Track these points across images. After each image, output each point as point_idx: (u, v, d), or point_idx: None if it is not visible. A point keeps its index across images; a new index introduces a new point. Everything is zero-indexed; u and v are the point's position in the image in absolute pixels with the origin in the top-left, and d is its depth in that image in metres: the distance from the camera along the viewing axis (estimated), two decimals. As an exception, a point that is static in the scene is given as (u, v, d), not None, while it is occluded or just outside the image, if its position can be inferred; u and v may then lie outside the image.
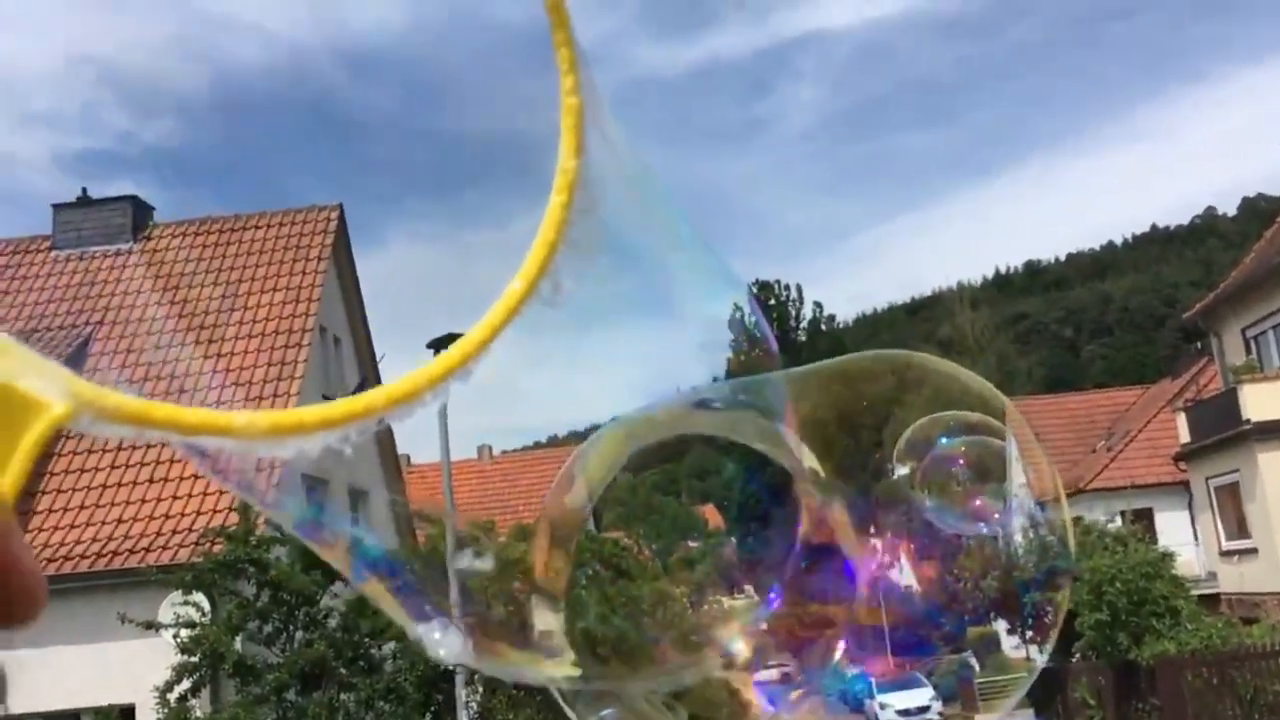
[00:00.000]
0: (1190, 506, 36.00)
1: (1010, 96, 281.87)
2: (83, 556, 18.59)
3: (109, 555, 18.51)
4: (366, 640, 17.11)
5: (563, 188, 0.80)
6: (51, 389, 0.56)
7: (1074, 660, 26.47)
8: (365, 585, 1.23)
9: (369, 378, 24.49)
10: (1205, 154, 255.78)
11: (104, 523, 19.41)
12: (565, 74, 0.81)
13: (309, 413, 0.65)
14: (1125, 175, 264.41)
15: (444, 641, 1.36)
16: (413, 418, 0.71)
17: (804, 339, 68.44)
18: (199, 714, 16.19)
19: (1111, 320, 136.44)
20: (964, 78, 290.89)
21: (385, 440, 25.79)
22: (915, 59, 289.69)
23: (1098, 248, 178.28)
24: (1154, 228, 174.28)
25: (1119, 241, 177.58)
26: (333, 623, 17.05)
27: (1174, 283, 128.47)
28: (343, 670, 16.84)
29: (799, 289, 70.65)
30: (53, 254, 25.19)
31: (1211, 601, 31.02)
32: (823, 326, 70.24)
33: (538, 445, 62.93)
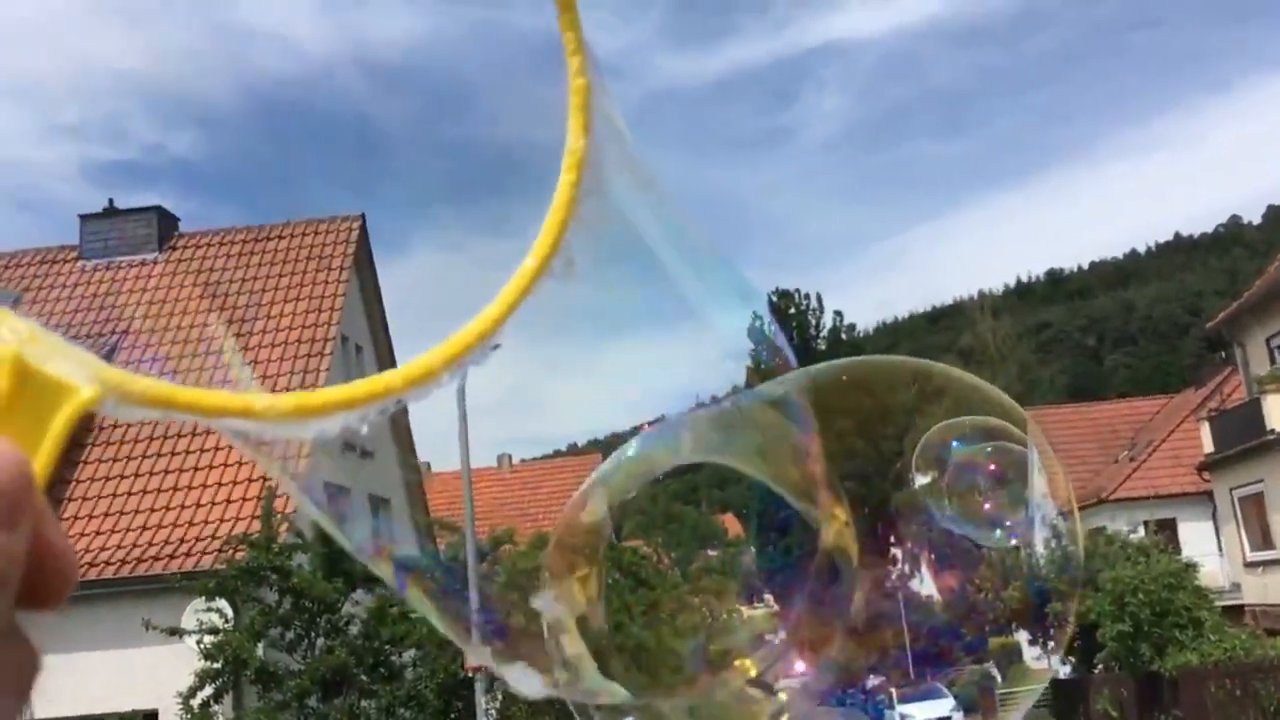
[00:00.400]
0: (1214, 517, 35.70)
1: (1032, 104, 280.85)
2: (108, 563, 18.79)
3: (133, 562, 18.70)
4: (387, 647, 17.21)
5: (571, 166, 0.81)
6: (79, 373, 0.57)
7: (1096, 671, 26.30)
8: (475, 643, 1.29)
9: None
10: (1230, 162, 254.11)
11: (129, 529, 19.61)
12: (571, 55, 0.82)
13: (330, 394, 0.65)
14: (1149, 183, 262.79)
15: (526, 679, 1.46)
16: (429, 398, 0.71)
17: (824, 348, 68.29)
18: (222, 719, 16.32)
19: (1135, 329, 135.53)
20: (986, 86, 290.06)
21: (406, 448, 25.94)
22: (938, 68, 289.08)
23: (1121, 256, 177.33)
24: (1178, 236, 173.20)
25: (1142, 250, 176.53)
26: (354, 630, 17.16)
27: (1198, 291, 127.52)
28: (364, 677, 16.94)
29: (819, 298, 70.51)
30: (80, 264, 25.49)
31: (1235, 613, 30.74)
32: (843, 335, 70.09)
33: (557, 454, 62.95)
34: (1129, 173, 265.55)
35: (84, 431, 21.52)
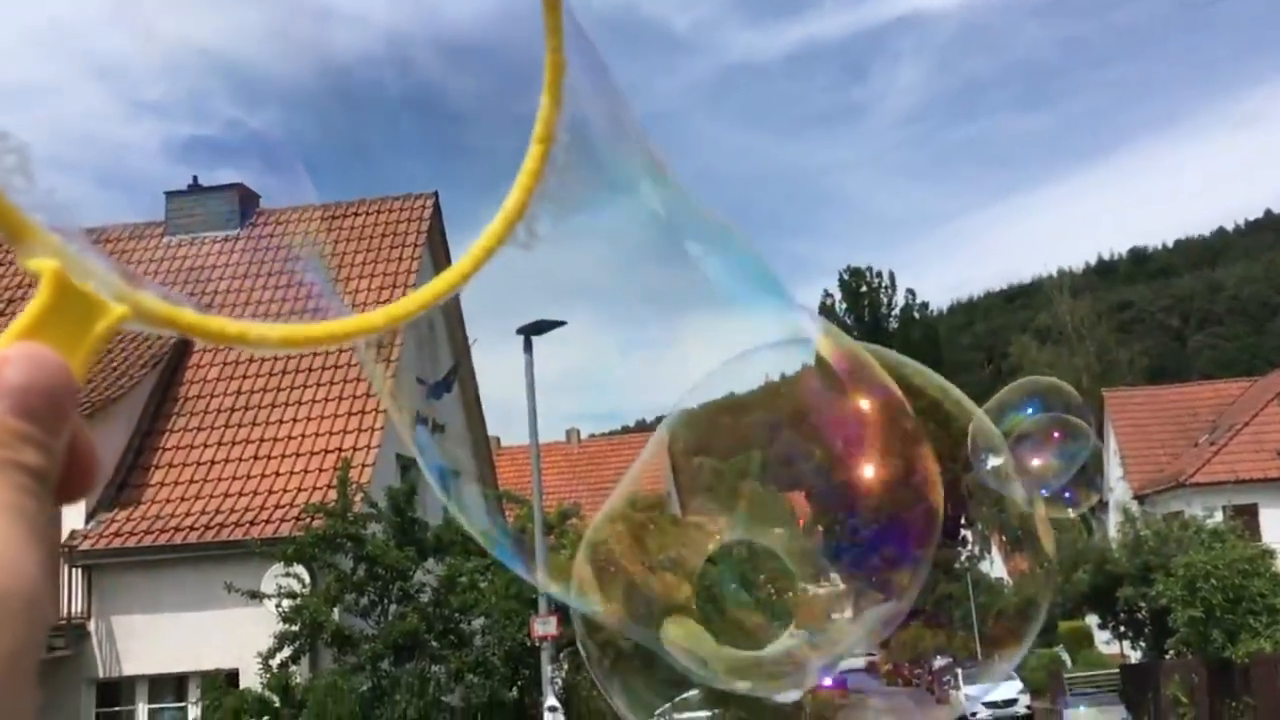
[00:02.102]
0: (1297, 503, 34.80)
1: (1116, 78, 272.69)
2: (191, 529, 19.54)
3: (216, 528, 19.41)
4: (457, 615, 17.67)
5: (542, 138, 0.85)
6: (106, 291, 0.63)
7: (1167, 657, 25.92)
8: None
9: (461, 362, 25.10)
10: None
11: (211, 497, 20.34)
12: (551, 34, 0.87)
13: (315, 329, 0.73)
14: (1238, 159, 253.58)
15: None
16: (493, 371, 0.86)
17: (896, 326, 67.65)
18: (299, 680, 16.93)
19: (1221, 310, 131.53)
20: (1068, 59, 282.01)
21: (475, 422, 26.42)
22: (1018, 40, 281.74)
23: (1208, 234, 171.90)
24: (1268, 214, 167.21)
25: (1230, 228, 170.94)
26: (424, 597, 17.64)
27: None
28: (434, 643, 17.43)
29: (891, 276, 69.78)
30: (165, 239, 26.34)
31: (1317, 602, 29.99)
32: (915, 314, 69.28)
33: (625, 430, 63.28)
34: (1217, 149, 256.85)
35: (168, 402, 22.36)
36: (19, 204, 0.59)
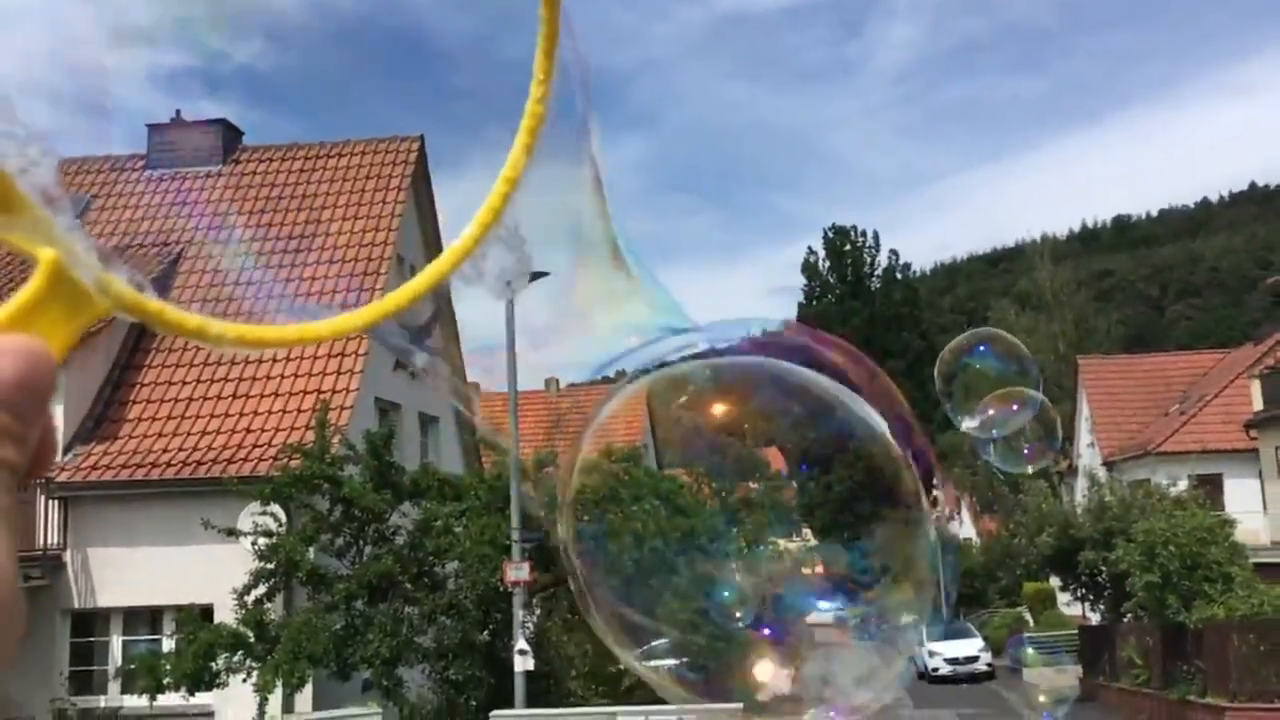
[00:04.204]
0: (1260, 475, 35.45)
1: (1111, 44, 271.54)
2: (169, 465, 19.65)
3: (193, 465, 19.54)
4: (431, 559, 17.90)
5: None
6: (92, 282, 0.64)
7: (1125, 620, 26.54)
8: None
9: (441, 309, 25.11)
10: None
11: (189, 434, 20.43)
12: (539, 84, 0.87)
13: (269, 331, 0.74)
14: (1226, 131, 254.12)
15: None
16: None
17: (878, 286, 67.78)
18: (273, 617, 17.16)
19: (1200, 281, 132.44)
20: (1064, 22, 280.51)
21: (456, 368, 26.51)
22: (1014, 0, 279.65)
23: (1192, 205, 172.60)
24: (1253, 186, 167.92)
25: (1215, 200, 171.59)
26: (400, 540, 17.86)
27: (1270, 244, 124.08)
28: (408, 585, 17.67)
29: (875, 235, 69.66)
30: (147, 173, 26.15)
31: (1277, 570, 30.70)
32: (898, 275, 69.38)
33: (605, 379, 63.36)
34: (1207, 119, 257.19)
35: (146, 337, 22.35)
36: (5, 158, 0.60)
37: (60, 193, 0.62)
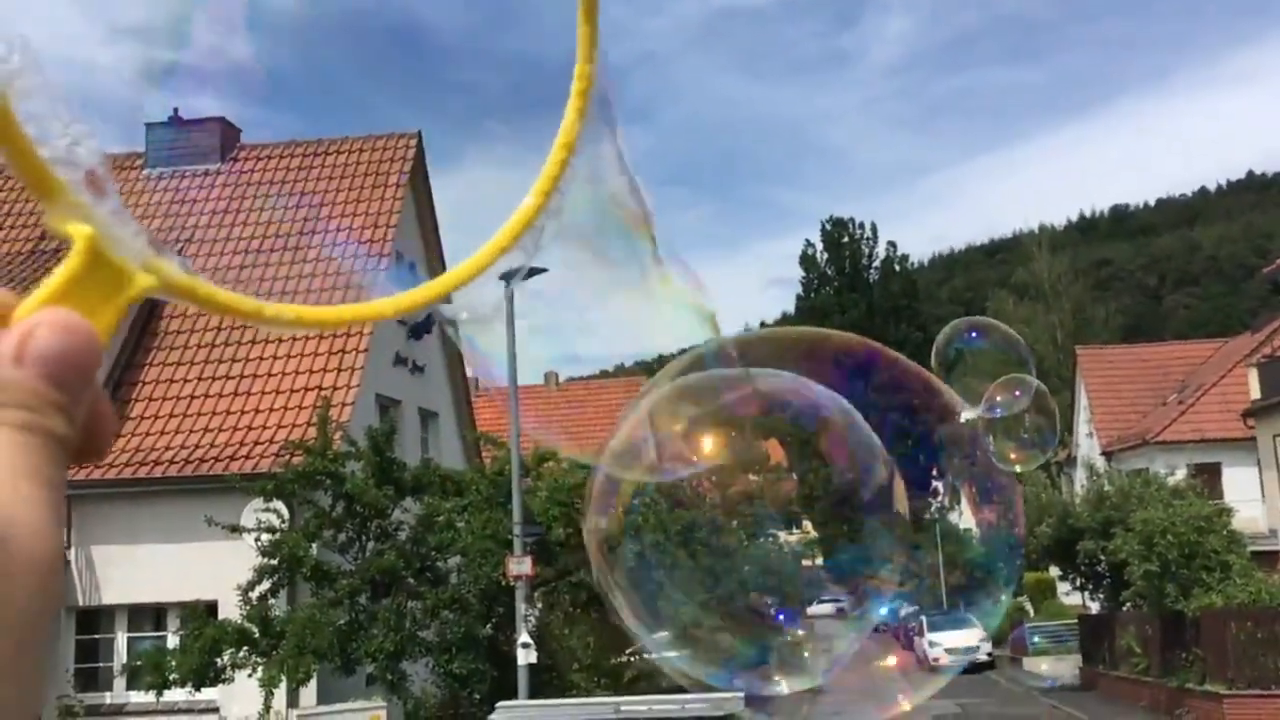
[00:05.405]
0: (1258, 463, 35.55)
1: (1107, 34, 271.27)
2: (172, 462, 19.73)
3: (196, 462, 19.61)
4: (433, 553, 18.00)
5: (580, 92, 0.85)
6: (135, 260, 0.63)
7: (1124, 609, 26.67)
8: None
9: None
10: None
11: (192, 431, 20.51)
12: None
13: (327, 311, 0.73)
14: (1224, 120, 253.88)
15: None
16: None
17: (876, 278, 67.81)
18: (277, 612, 17.26)
19: (1198, 270, 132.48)
20: (1060, 12, 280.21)
21: (455, 364, 26.62)
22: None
23: (1189, 194, 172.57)
24: (1250, 174, 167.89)
25: (1212, 188, 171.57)
26: (402, 535, 17.95)
27: (1268, 233, 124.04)
28: (411, 580, 17.76)
29: (873, 227, 69.71)
30: (145, 172, 26.18)
31: (1275, 558, 30.84)
32: (896, 266, 69.41)
33: (604, 374, 63.56)
34: (1204, 108, 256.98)
35: (149, 335, 22.43)
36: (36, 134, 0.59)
37: (106, 175, 0.61)
